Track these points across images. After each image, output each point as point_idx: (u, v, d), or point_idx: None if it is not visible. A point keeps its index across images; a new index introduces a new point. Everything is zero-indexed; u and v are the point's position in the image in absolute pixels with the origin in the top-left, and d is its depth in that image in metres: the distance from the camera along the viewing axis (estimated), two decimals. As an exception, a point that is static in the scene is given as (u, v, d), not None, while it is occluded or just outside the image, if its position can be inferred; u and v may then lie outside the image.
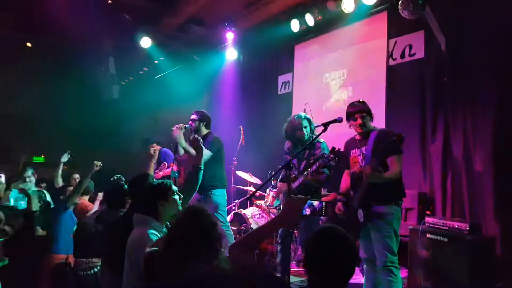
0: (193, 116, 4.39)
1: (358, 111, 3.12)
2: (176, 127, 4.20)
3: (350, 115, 3.16)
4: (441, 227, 3.46)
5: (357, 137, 3.23)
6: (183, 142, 4.17)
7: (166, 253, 1.74)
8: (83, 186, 3.64)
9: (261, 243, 1.86)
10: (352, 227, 3.05)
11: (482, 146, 3.80)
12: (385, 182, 2.92)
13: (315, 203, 2.69)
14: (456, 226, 3.35)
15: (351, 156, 3.24)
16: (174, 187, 2.33)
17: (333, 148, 3.31)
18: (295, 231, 4.13)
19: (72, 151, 4.75)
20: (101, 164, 3.78)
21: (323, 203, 2.60)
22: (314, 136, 3.61)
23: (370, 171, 2.84)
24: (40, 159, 8.45)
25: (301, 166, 3.69)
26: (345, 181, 3.34)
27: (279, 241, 3.83)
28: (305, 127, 3.69)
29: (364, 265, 3.28)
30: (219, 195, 4.27)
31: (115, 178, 3.30)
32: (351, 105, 3.22)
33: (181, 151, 4.36)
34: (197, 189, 2.96)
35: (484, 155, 3.76)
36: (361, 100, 3.23)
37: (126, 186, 2.96)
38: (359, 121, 3.10)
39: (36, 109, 7.72)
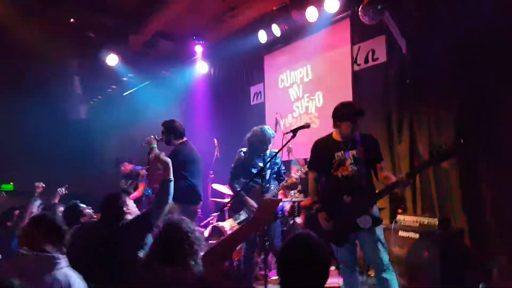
0: (162, 129, 4.31)
1: (361, 113, 3.00)
2: (146, 141, 4.12)
3: (352, 115, 2.97)
4: (412, 224, 3.55)
5: (337, 138, 3.09)
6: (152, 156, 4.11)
7: (149, 259, 1.94)
8: (27, 212, 3.59)
9: (234, 250, 1.88)
10: (339, 234, 2.97)
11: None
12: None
13: (287, 205, 2.70)
14: (426, 222, 3.45)
15: (334, 158, 3.04)
16: None
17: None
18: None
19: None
20: (44, 185, 3.78)
21: (295, 204, 2.59)
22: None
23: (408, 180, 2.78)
24: (9, 186, 8.08)
25: (267, 175, 3.80)
26: (316, 187, 3.18)
27: (244, 253, 3.92)
28: (270, 142, 3.88)
29: (342, 267, 3.29)
30: None
31: (72, 202, 3.31)
32: (351, 105, 3.08)
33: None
34: (168, 202, 2.86)
35: (449, 151, 3.89)
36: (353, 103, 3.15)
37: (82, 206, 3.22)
38: (355, 124, 2.99)
39: (1, 134, 7.44)
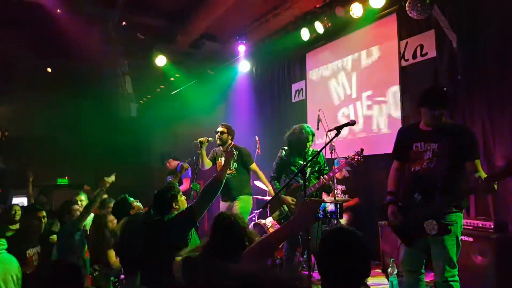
0: (221, 129, 4.61)
1: (447, 100, 2.63)
2: (199, 141, 4.49)
3: (428, 101, 2.61)
4: (465, 226, 3.37)
5: (423, 127, 2.72)
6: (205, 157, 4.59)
7: (204, 255, 1.91)
8: (94, 206, 3.73)
9: (276, 249, 1.88)
10: (406, 234, 2.71)
11: (502, 141, 3.72)
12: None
13: (329, 206, 2.63)
14: (481, 225, 3.28)
15: (412, 149, 2.71)
16: None
17: (362, 150, 3.48)
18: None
19: (94, 171, 4.91)
20: (113, 180, 3.93)
21: (338, 205, 2.51)
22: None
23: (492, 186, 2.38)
24: (64, 181, 8.67)
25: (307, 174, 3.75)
26: (395, 177, 2.85)
27: (285, 252, 3.94)
28: (310, 140, 3.87)
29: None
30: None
31: (122, 196, 3.48)
32: (436, 90, 2.75)
33: (206, 164, 4.66)
34: (213, 200, 2.89)
35: (505, 150, 3.68)
36: (443, 87, 2.82)
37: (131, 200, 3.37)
38: (443, 111, 2.59)
39: (57, 132, 7.98)
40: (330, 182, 3.82)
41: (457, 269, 2.59)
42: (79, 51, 6.12)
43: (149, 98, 8.67)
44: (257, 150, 6.05)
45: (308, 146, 3.90)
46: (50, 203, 6.23)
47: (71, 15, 5.43)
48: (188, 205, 2.86)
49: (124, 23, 5.94)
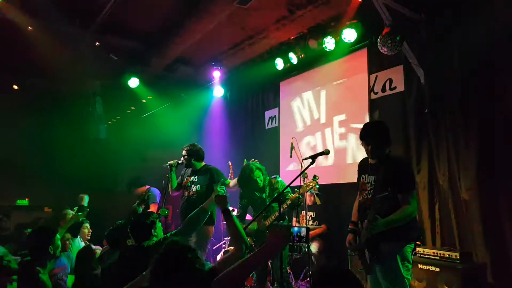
0: (183, 152, 4.50)
1: (367, 135, 2.86)
2: (169, 164, 4.44)
3: (361, 138, 2.91)
4: (432, 257, 3.46)
5: (371, 160, 2.93)
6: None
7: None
8: None
9: (247, 277, 1.84)
10: (363, 262, 2.82)
11: (466, 173, 3.87)
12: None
13: (303, 230, 2.62)
14: (447, 255, 3.36)
15: (361, 180, 2.96)
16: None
17: (315, 176, 3.67)
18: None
19: (59, 193, 4.69)
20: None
21: (305, 229, 2.47)
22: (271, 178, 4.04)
23: (368, 228, 2.61)
24: (24, 202, 8.21)
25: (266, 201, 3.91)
26: (357, 207, 3.03)
27: (254, 282, 3.88)
28: (258, 177, 3.93)
29: None
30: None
31: (119, 222, 3.27)
32: (364, 126, 2.96)
33: (174, 188, 4.55)
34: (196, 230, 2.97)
35: (469, 182, 3.82)
36: (375, 122, 3.02)
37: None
38: (366, 146, 2.85)
39: (20, 151, 7.61)
40: (299, 195, 3.83)
41: None
42: (49, 70, 5.93)
43: (118, 120, 8.46)
44: (230, 175, 6.00)
45: (261, 179, 3.96)
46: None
47: (44, 33, 5.29)
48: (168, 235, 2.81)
49: (97, 43, 5.86)
